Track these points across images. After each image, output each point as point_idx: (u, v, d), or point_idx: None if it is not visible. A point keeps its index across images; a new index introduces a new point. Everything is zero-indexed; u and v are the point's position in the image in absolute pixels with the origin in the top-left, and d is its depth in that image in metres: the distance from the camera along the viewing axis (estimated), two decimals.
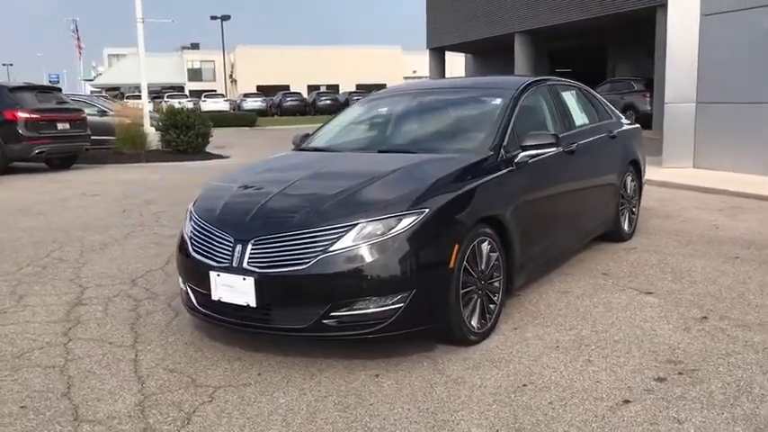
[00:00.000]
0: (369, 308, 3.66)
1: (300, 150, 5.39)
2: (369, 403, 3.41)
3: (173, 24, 37.81)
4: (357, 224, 3.68)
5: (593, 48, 29.79)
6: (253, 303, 3.74)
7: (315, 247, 3.66)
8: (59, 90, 17.63)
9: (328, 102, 47.67)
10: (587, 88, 6.29)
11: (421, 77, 59.19)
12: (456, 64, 43.87)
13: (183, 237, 4.30)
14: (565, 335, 4.22)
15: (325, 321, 3.67)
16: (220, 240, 3.94)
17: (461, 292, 3.90)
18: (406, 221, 3.72)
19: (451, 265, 3.80)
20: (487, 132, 4.68)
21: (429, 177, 4.08)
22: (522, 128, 4.81)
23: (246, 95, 54.34)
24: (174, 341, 4.34)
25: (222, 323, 3.99)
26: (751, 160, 10.22)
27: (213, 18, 56.47)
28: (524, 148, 4.64)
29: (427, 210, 3.79)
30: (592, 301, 4.83)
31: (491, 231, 4.18)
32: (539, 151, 4.67)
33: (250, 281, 3.71)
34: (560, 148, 4.69)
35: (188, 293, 4.21)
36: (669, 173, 10.65)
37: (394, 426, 3.17)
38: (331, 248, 3.64)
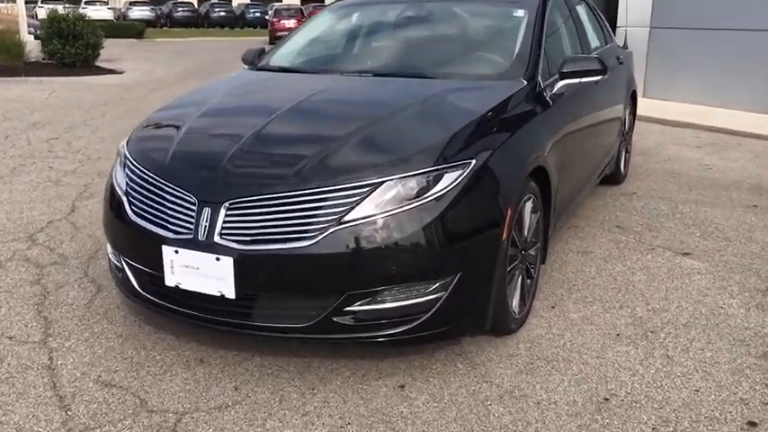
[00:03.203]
0: (398, 300, 2.62)
1: (261, 70, 4.09)
2: None
3: None
4: (382, 183, 2.58)
5: None
6: (230, 293, 2.61)
7: (323, 215, 2.55)
8: None
9: (222, 13, 44.51)
10: (592, 3, 5.29)
11: None
12: None
13: (113, 189, 3.05)
14: (618, 316, 3.35)
15: (336, 319, 2.61)
16: (176, 201, 2.74)
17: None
18: (449, 178, 2.65)
19: (504, 235, 2.79)
20: (516, 54, 3.61)
21: (468, 114, 3.00)
22: (551, 50, 3.78)
23: (132, 4, 49.89)
24: (103, 333, 3.15)
25: (182, 317, 2.83)
26: (705, 90, 9.68)
27: None
28: (563, 76, 3.63)
29: (474, 161, 2.73)
30: (625, 265, 3.99)
31: (535, 186, 3.19)
32: (581, 80, 3.66)
33: (226, 262, 2.57)
34: (606, 76, 3.71)
35: (125, 272, 3.00)
36: None
37: None
38: (346, 218, 2.53)
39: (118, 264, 3.05)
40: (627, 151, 5.85)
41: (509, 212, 2.82)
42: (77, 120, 8.67)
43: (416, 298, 2.63)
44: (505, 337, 3.11)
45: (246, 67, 4.25)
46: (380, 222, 2.54)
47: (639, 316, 3.36)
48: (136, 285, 2.95)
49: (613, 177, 5.51)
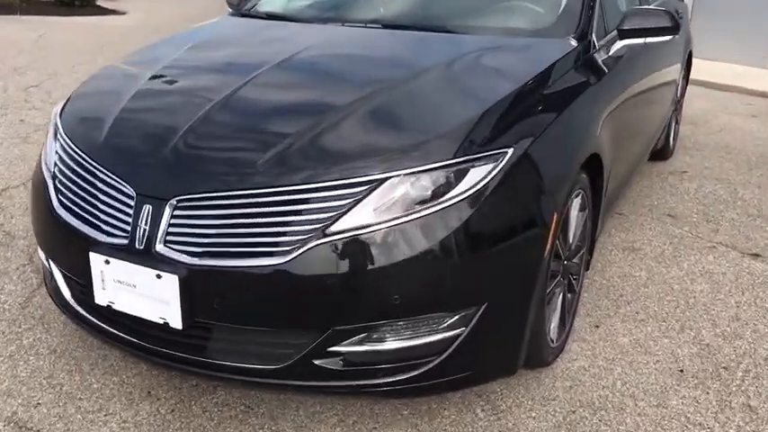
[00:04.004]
0: (401, 339, 1.94)
1: (246, 17, 3.33)
2: None
3: None
4: (384, 180, 1.88)
5: None
6: (175, 322, 1.94)
7: (302, 223, 1.86)
8: None
9: None
10: None
11: None
12: None
13: (41, 171, 2.36)
14: (679, 342, 2.66)
15: (318, 362, 1.94)
16: (110, 193, 2.05)
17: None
18: (477, 174, 1.94)
19: (547, 250, 2.09)
20: (564, 5, 2.84)
21: (504, 84, 2.26)
22: (606, 1, 2.99)
23: None
24: (33, 347, 2.51)
25: (117, 344, 2.17)
26: (755, 50, 8.75)
27: None
28: (624, 35, 2.86)
29: (511, 151, 2.01)
30: (681, 268, 3.27)
31: (585, 178, 2.47)
32: (646, 41, 2.90)
33: (170, 281, 1.89)
34: (676, 36, 2.93)
35: (53, 277, 2.34)
36: None
37: None
38: (334, 227, 1.84)
39: (47, 265, 2.39)
40: (677, 121, 5.07)
41: (554, 218, 2.11)
42: (65, 65, 7.92)
43: (426, 336, 1.95)
44: (539, 370, 2.44)
45: (230, 11, 3.48)
46: (380, 235, 1.84)
47: (707, 343, 2.67)
48: (67, 295, 2.29)
49: (661, 152, 4.74)
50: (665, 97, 4.08)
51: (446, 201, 1.89)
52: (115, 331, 2.13)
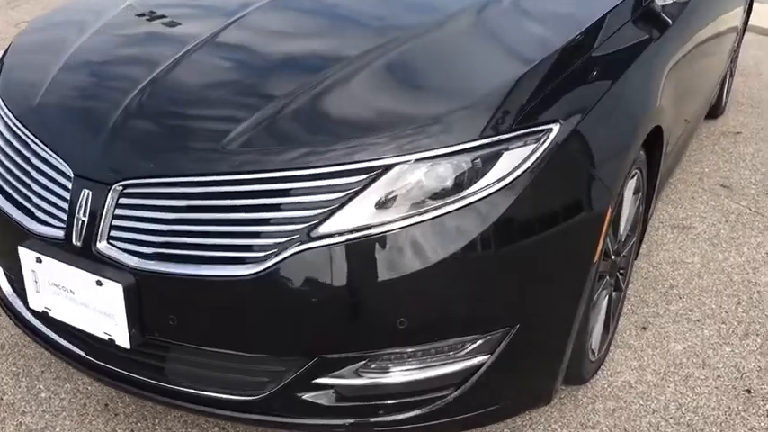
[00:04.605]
0: (409, 369, 1.52)
1: None
2: None
3: None
4: (390, 166, 1.42)
5: None
6: (122, 340, 1.53)
7: (281, 221, 1.42)
8: None
9: None
10: None
11: None
12: None
13: None
14: (743, 352, 2.23)
15: (303, 395, 1.52)
16: (44, 171, 1.62)
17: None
18: (512, 159, 1.48)
19: (597, 251, 1.64)
20: None
21: (546, 39, 1.76)
22: None
23: None
24: None
25: (62, 358, 1.77)
26: None
27: None
28: None
29: (557, 128, 1.54)
30: (741, 254, 2.81)
31: (643, 155, 2.00)
32: None
33: (113, 289, 1.47)
34: None
35: None
36: None
37: None
38: (322, 229, 1.40)
39: None
40: (731, 74, 4.50)
41: (607, 214, 1.65)
42: None
43: (441, 366, 1.52)
44: (576, 388, 2.02)
45: None
46: (383, 239, 1.40)
47: None
48: (4, 290, 1.88)
49: (712, 109, 4.19)
50: (724, 48, 3.52)
51: (471, 195, 1.44)
52: (54, 337, 1.73)
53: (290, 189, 1.42)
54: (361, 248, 1.40)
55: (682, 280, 2.61)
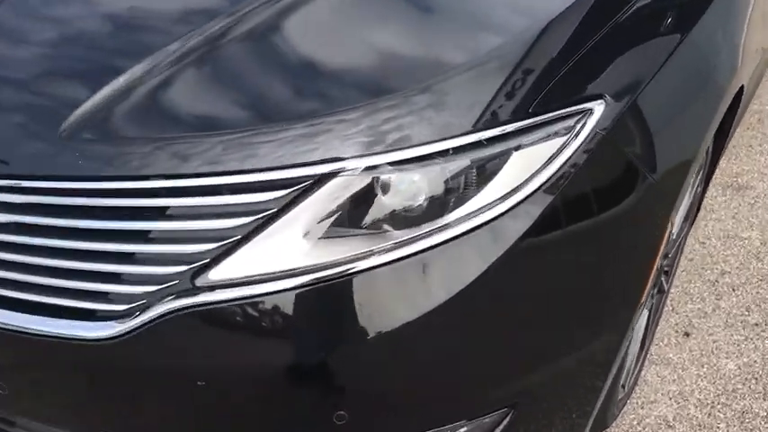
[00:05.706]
0: None
1: None
2: None
3: None
4: (330, 174, 0.86)
5: None
6: None
7: (150, 259, 0.88)
8: None
9: None
10: None
11: None
12: None
13: None
14: None
15: None
16: None
17: None
18: (522, 165, 0.92)
19: (652, 271, 1.10)
20: None
21: None
22: None
23: None
24: None
25: None
26: None
27: None
28: None
29: (600, 108, 0.96)
30: None
31: (709, 143, 1.42)
32: None
33: None
34: None
35: None
36: None
37: None
38: (212, 274, 0.86)
39: None
40: None
41: (665, 234, 1.10)
42: None
43: None
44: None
45: None
46: (314, 293, 0.87)
47: None
48: None
49: None
50: None
51: (457, 222, 0.89)
52: None
53: (166, 208, 0.88)
54: (279, 308, 0.87)
55: (736, 263, 2.08)
